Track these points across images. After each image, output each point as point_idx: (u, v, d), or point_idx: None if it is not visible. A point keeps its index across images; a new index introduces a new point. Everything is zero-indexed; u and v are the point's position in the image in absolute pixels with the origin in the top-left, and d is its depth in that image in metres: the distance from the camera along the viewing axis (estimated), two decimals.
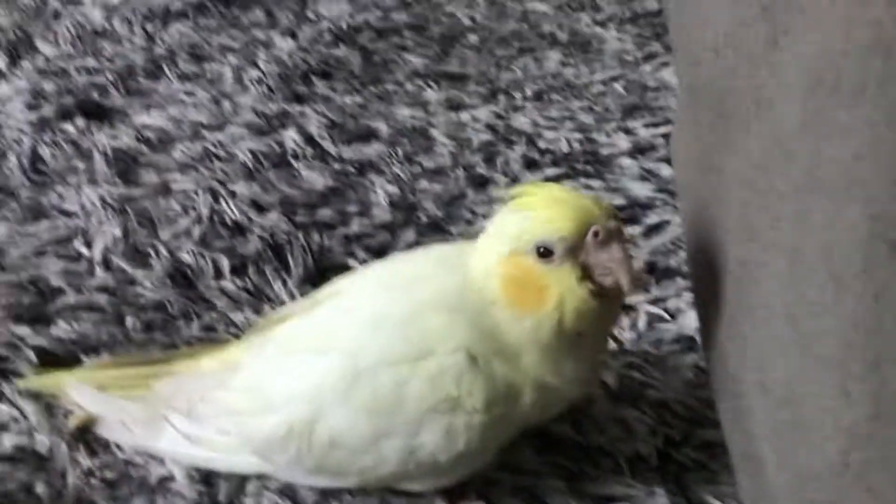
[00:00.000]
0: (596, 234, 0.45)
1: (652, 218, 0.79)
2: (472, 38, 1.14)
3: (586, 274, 0.45)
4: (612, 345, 0.65)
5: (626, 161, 0.87)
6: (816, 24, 0.38)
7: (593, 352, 0.50)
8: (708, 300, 0.51)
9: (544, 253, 0.45)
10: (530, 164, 0.87)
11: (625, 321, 0.67)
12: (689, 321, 0.67)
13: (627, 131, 0.92)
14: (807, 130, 0.37)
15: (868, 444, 0.32)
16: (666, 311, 0.68)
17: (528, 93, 1.00)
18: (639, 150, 0.89)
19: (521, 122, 0.94)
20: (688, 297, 0.69)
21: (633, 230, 0.77)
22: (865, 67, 0.34)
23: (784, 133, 0.40)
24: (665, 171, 0.85)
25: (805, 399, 0.35)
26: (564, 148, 0.90)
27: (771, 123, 0.41)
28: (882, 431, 0.32)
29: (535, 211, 0.46)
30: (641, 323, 0.67)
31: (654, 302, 0.69)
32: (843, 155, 0.34)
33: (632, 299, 0.69)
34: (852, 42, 0.35)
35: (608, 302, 0.46)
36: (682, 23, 0.64)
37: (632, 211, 0.80)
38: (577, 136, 0.92)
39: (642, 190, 0.82)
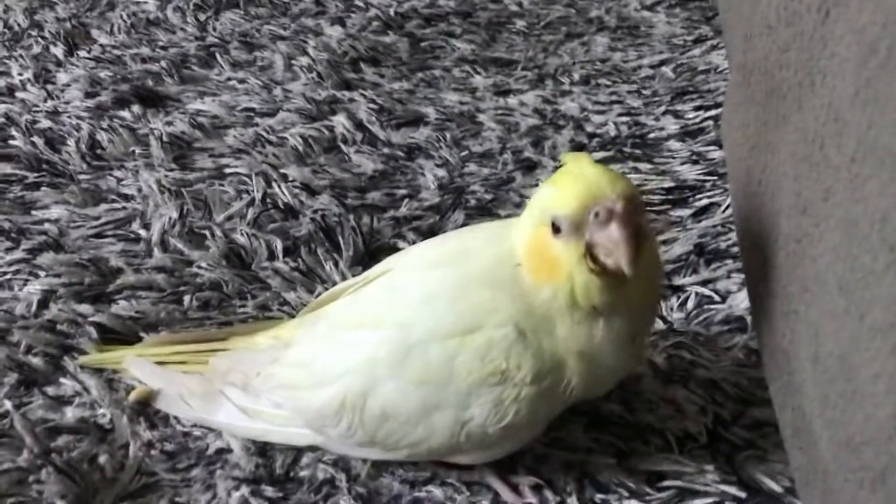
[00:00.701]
0: (597, 213, 0.44)
1: (701, 200, 0.78)
2: (520, 24, 1.14)
3: (590, 252, 0.45)
4: (660, 325, 0.65)
5: (675, 144, 0.87)
6: None
7: (626, 324, 0.48)
8: (760, 278, 0.50)
9: (556, 228, 0.45)
10: (578, 148, 0.87)
11: (674, 302, 0.67)
12: (739, 302, 0.66)
13: (676, 114, 0.92)
14: (860, 101, 0.37)
15: None
16: (716, 292, 0.68)
17: (576, 77, 1.00)
18: (688, 134, 0.88)
19: (568, 106, 0.94)
20: (737, 278, 0.69)
21: (681, 213, 0.77)
22: None
23: (837, 105, 0.39)
24: (714, 153, 0.84)
25: (857, 368, 0.35)
26: (612, 132, 0.90)
27: (824, 96, 0.41)
28: None
29: (555, 185, 0.46)
30: (691, 304, 0.67)
31: (704, 283, 0.69)
32: None
33: (681, 281, 0.69)
34: None
35: (621, 280, 0.44)
36: (734, 1, 0.63)
37: (680, 193, 0.80)
38: (625, 119, 0.92)
39: (691, 173, 0.82)
